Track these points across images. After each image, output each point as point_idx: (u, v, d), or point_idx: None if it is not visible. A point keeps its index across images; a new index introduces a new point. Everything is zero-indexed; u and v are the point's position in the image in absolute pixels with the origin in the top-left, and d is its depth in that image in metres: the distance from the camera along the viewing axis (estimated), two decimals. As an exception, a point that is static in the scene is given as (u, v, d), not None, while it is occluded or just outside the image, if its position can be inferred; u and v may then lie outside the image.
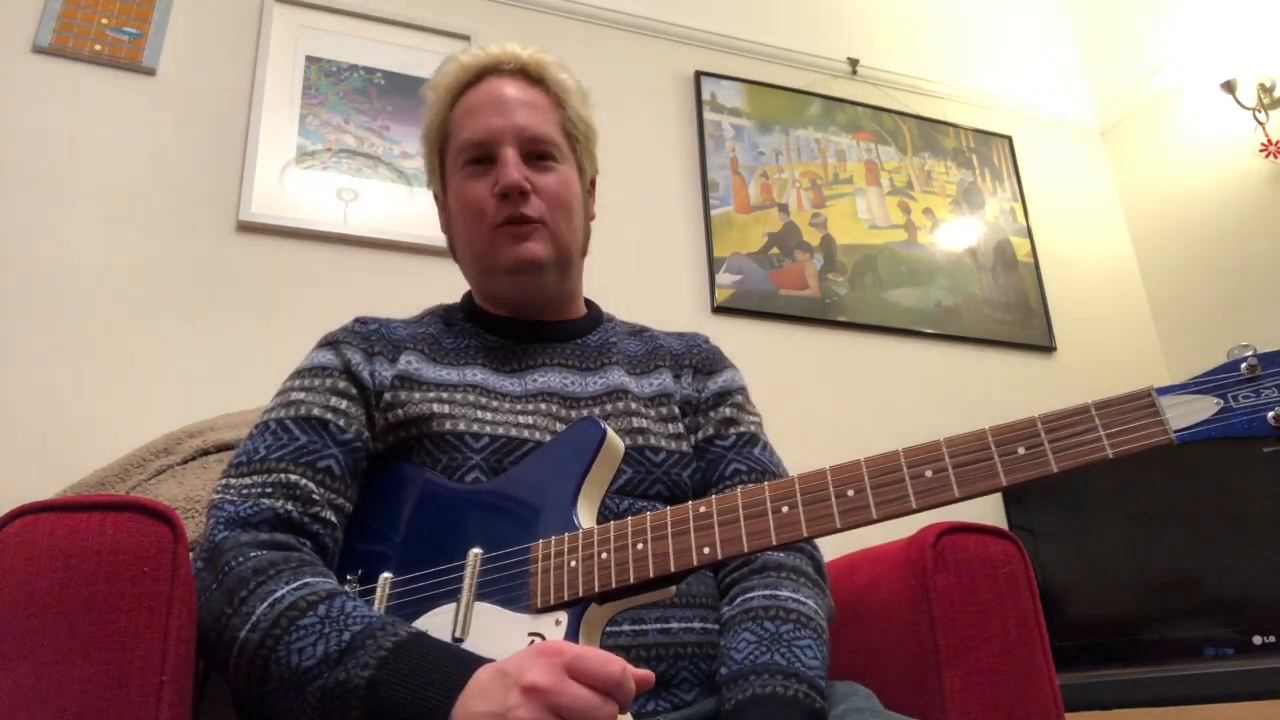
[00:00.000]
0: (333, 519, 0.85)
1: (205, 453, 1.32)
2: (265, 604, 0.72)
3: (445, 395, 0.92)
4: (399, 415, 0.90)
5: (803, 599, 0.87)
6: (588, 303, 1.11)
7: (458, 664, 0.67)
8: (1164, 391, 0.64)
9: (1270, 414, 0.61)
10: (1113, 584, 2.03)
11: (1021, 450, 0.65)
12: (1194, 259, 2.72)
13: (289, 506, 0.82)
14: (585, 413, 0.96)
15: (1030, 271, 2.71)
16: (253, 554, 0.76)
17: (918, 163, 2.73)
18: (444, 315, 1.06)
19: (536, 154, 1.00)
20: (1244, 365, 0.63)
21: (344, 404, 0.90)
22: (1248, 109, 2.53)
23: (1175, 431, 0.62)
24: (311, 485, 0.84)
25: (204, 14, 2.10)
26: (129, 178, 1.90)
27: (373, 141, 2.13)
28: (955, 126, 2.83)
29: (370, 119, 2.15)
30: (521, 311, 1.03)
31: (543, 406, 0.94)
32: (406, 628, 0.71)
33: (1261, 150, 2.49)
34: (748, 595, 0.88)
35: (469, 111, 1.01)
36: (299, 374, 0.94)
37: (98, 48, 1.96)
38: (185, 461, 1.31)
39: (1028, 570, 0.99)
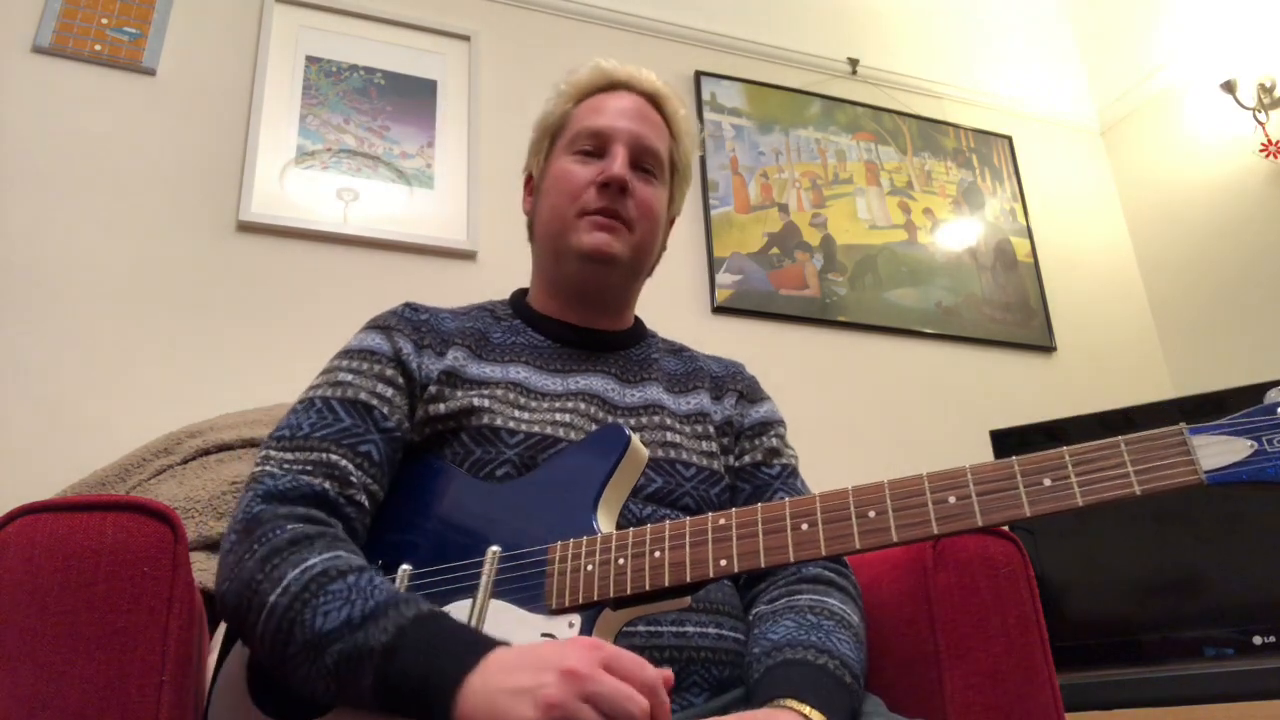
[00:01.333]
0: (365, 503, 0.86)
1: (205, 453, 1.33)
2: (297, 570, 0.73)
3: (486, 391, 0.94)
4: (440, 410, 0.92)
5: (849, 611, 0.89)
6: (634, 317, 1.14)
7: (476, 639, 0.68)
8: (1196, 430, 0.62)
9: None
10: (1113, 584, 2.02)
11: (1047, 482, 0.65)
12: (1194, 259, 2.72)
13: (326, 485, 0.83)
14: (620, 421, 0.97)
15: (1030, 271, 2.71)
16: (289, 526, 0.77)
17: (918, 163, 2.73)
18: (492, 310, 1.08)
19: (643, 166, 1.05)
20: None
21: (389, 392, 0.91)
22: (1248, 109, 2.53)
23: (1206, 472, 0.61)
24: (350, 467, 0.85)
25: (204, 14, 2.10)
26: (129, 178, 1.90)
27: (373, 141, 2.13)
28: (955, 126, 2.83)
29: (370, 119, 2.15)
30: (581, 304, 1.05)
31: (581, 406, 0.96)
32: (430, 605, 0.72)
33: (1261, 150, 2.49)
34: (795, 598, 0.90)
35: (595, 109, 1.06)
36: (348, 354, 0.95)
37: (98, 48, 1.96)
38: (185, 461, 1.31)
39: (1028, 570, 0.99)
